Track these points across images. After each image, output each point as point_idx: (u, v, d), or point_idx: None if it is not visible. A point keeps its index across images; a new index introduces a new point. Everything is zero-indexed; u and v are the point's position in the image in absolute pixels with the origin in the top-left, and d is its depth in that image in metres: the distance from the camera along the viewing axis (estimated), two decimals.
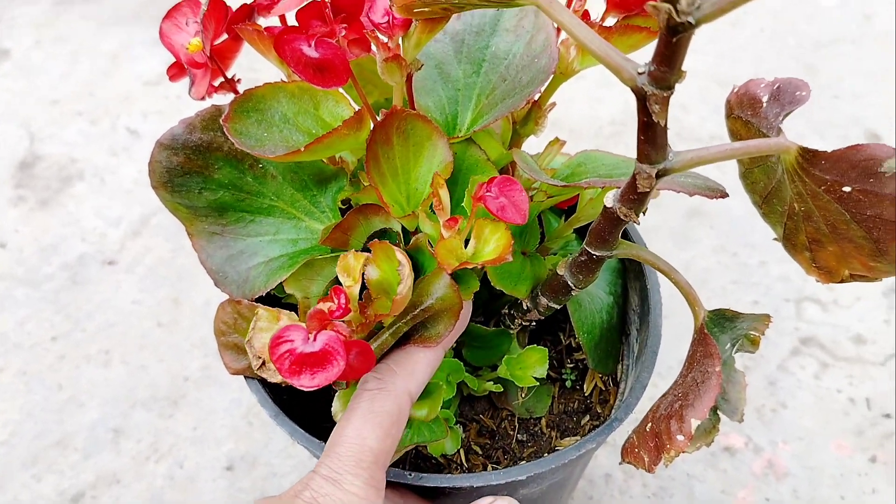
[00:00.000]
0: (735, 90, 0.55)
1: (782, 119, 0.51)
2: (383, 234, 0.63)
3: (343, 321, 0.52)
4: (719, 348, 0.56)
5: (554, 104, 0.67)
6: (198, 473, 0.99)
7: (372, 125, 0.57)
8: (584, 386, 0.76)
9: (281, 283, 0.62)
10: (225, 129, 0.56)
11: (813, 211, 0.48)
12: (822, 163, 0.44)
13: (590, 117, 1.35)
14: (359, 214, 0.60)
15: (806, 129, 1.32)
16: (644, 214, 0.53)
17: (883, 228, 0.44)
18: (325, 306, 0.51)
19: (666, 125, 0.44)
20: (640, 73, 0.41)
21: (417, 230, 0.60)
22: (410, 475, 0.61)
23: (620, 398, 0.72)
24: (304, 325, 0.49)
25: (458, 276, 0.57)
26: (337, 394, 0.61)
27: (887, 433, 1.01)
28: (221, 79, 0.63)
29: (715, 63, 1.43)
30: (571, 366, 0.77)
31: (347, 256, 0.54)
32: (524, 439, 0.74)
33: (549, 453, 0.72)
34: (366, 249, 0.62)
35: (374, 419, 0.53)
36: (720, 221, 1.21)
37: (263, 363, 0.58)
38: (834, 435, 1.01)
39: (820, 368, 1.07)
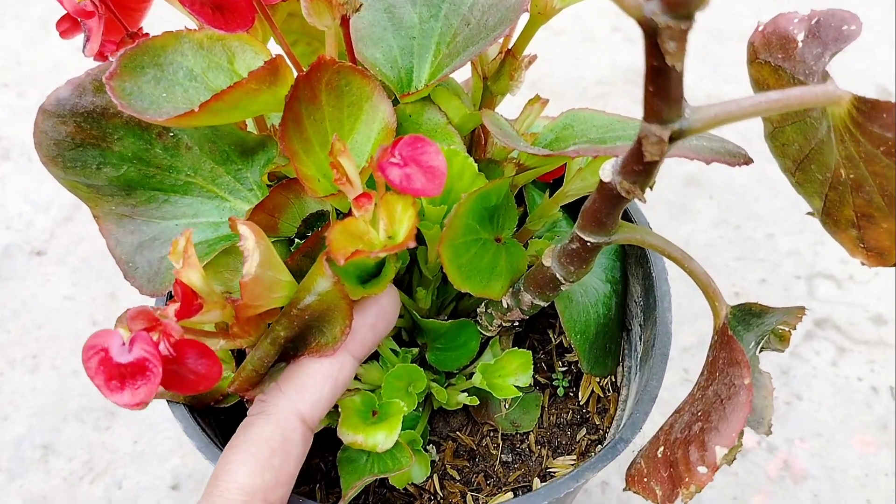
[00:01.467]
0: (760, 28, 0.45)
1: (828, 61, 0.41)
2: (321, 219, 0.53)
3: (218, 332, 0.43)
4: (745, 349, 0.45)
5: (534, 57, 0.56)
6: (139, 495, 0.88)
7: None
8: (579, 393, 0.65)
9: None
10: (108, 88, 0.45)
11: (866, 178, 0.39)
12: (883, 116, 0.35)
13: (573, 77, 1.22)
14: (286, 192, 0.51)
15: None
16: (651, 189, 0.42)
17: None
18: (172, 308, 0.42)
19: (683, 71, 0.33)
20: (647, 1, 0.31)
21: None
22: None
23: (622, 408, 0.61)
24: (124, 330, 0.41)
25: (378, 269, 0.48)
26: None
27: None
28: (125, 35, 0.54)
29: (711, 16, 1.31)
30: (563, 369, 0.66)
31: (179, 240, 0.43)
32: (509, 460, 0.62)
33: (539, 476, 0.61)
34: (304, 237, 0.52)
35: (246, 449, 0.45)
36: (721, 191, 1.09)
37: None
38: (856, 430, 0.91)
39: (837, 354, 0.96)
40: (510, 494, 0.60)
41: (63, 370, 0.96)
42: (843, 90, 0.36)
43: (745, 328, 0.48)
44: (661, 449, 0.47)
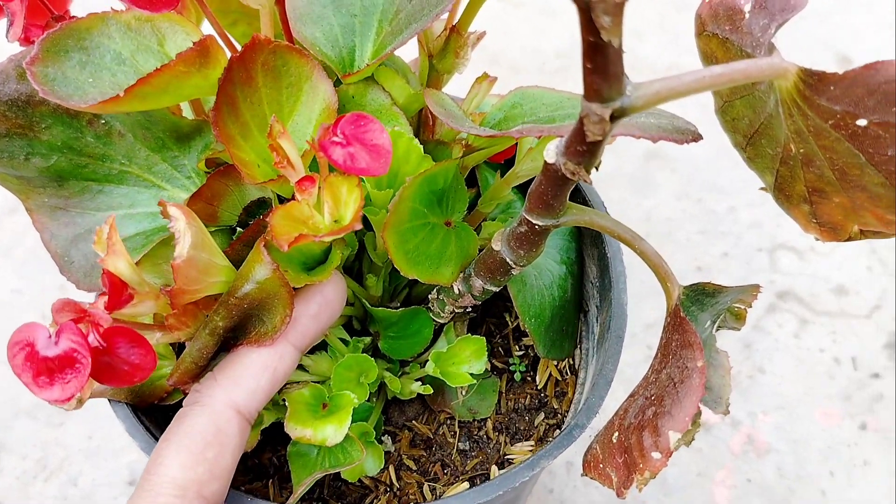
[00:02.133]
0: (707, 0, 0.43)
1: (774, 32, 0.40)
2: (262, 206, 0.51)
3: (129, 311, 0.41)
4: (699, 329, 0.45)
5: (483, 34, 0.54)
6: (95, 491, 0.85)
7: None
8: (537, 377, 0.64)
9: None
10: (29, 75, 0.43)
11: (816, 153, 0.38)
12: (830, 89, 0.34)
13: (532, 50, 1.20)
14: (224, 179, 0.49)
15: None
16: (597, 170, 0.40)
17: None
18: (101, 300, 0.40)
19: (621, 46, 0.31)
20: None
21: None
22: None
23: (581, 391, 0.60)
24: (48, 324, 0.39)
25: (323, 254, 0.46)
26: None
27: (877, 395, 0.90)
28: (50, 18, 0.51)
29: None
30: (521, 353, 0.65)
31: (102, 228, 0.41)
32: (467, 448, 0.61)
33: (497, 464, 0.60)
34: (245, 226, 0.50)
35: (179, 442, 0.43)
36: (682, 164, 1.08)
37: None
38: (819, 401, 0.91)
39: (799, 326, 0.95)
40: (467, 484, 0.59)
41: None
42: (789, 62, 0.35)
43: (700, 308, 0.47)
44: (616, 434, 0.46)
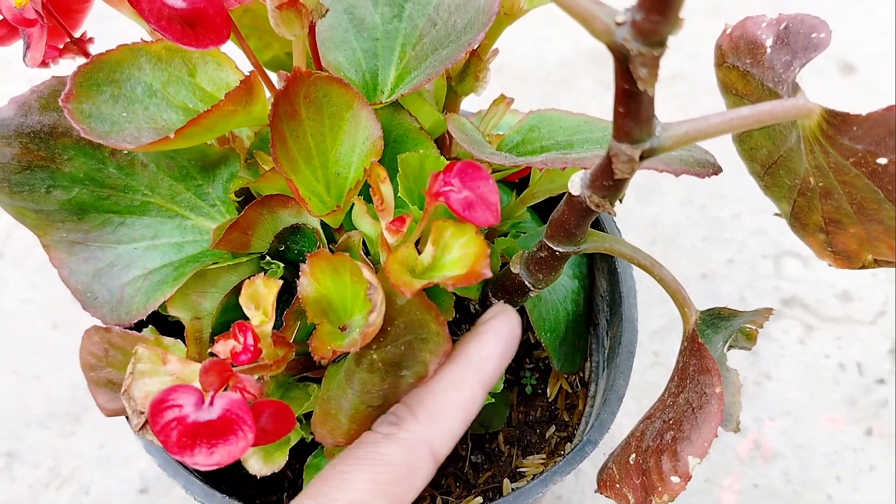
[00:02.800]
0: (727, 31, 0.45)
1: (798, 71, 0.40)
2: (294, 233, 0.50)
3: (251, 368, 0.40)
4: (713, 350, 0.45)
5: (496, 51, 0.54)
6: (107, 499, 0.86)
7: (268, 94, 0.45)
8: (548, 390, 0.65)
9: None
10: (66, 113, 0.43)
11: (835, 187, 0.39)
12: (853, 129, 0.35)
13: (536, 59, 1.21)
14: (261, 208, 0.48)
15: None
16: (621, 202, 0.41)
17: None
18: (224, 347, 0.39)
19: (653, 95, 0.32)
20: (619, 24, 0.30)
21: (342, 227, 0.48)
22: None
23: (591, 404, 0.61)
24: (192, 377, 0.38)
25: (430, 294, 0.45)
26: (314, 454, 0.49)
27: (882, 401, 0.91)
28: (67, 41, 0.52)
29: None
30: (531, 366, 0.65)
31: (255, 282, 0.41)
32: (479, 461, 0.62)
33: (509, 477, 0.61)
34: (277, 254, 0.51)
35: (370, 468, 0.42)
36: None
37: (147, 422, 0.45)
38: (824, 407, 0.92)
39: (805, 332, 0.96)
40: (480, 499, 0.59)
41: (23, 375, 0.93)
42: (814, 103, 0.36)
43: (714, 331, 0.48)
44: (633, 456, 0.46)
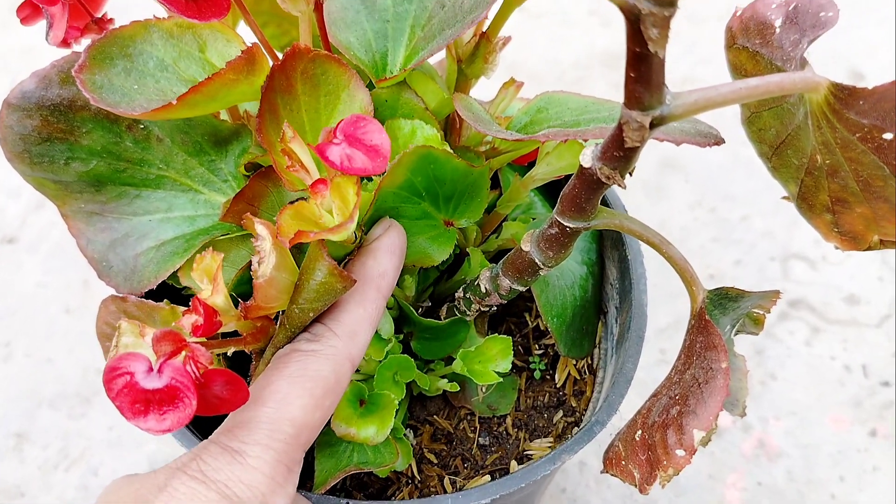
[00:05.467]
0: (738, 13, 0.45)
1: (806, 48, 0.41)
2: None
3: (221, 341, 0.42)
4: (721, 332, 0.46)
5: (508, 38, 0.55)
6: None
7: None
8: (556, 375, 0.65)
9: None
10: (79, 83, 0.44)
11: (841, 164, 0.39)
12: (859, 103, 0.35)
13: (551, 60, 1.22)
14: (265, 180, 0.50)
15: None
16: (631, 175, 0.42)
17: None
18: (188, 321, 0.40)
19: (664, 57, 0.33)
20: None
21: None
22: (346, 503, 0.50)
23: (598, 390, 0.61)
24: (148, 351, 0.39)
25: None
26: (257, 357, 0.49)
27: (887, 403, 0.92)
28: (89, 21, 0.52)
29: None
30: (540, 352, 0.66)
31: (205, 257, 0.43)
32: (487, 443, 0.62)
33: (516, 459, 0.61)
34: None
35: (303, 384, 0.44)
36: (696, 172, 1.10)
37: None
38: (829, 408, 0.92)
39: (811, 334, 0.97)
40: (487, 477, 0.60)
41: (36, 358, 0.95)
42: (822, 77, 0.36)
43: (722, 312, 0.48)
44: (639, 432, 0.47)
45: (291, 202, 0.51)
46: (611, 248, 0.62)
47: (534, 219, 0.62)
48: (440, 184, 0.51)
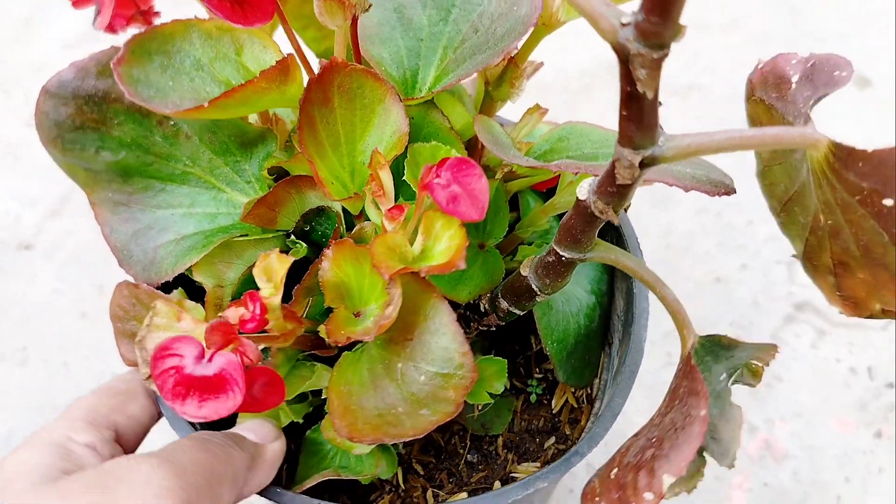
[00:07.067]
0: (759, 66, 0.44)
1: (812, 105, 0.40)
2: (320, 214, 0.52)
3: (259, 336, 0.43)
4: (713, 380, 0.45)
5: (540, 64, 0.56)
6: None
7: (306, 78, 0.47)
8: (553, 401, 0.65)
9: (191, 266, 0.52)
10: (116, 75, 0.45)
11: (843, 226, 0.38)
12: (858, 164, 0.34)
13: (556, 70, 1.22)
14: (290, 187, 0.51)
15: None
16: (626, 211, 0.43)
17: None
18: (234, 313, 0.41)
19: (656, 98, 0.33)
20: (623, 25, 0.31)
21: (363, 213, 0.50)
22: None
23: (594, 420, 0.61)
24: (200, 337, 0.40)
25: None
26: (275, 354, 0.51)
27: (891, 405, 0.92)
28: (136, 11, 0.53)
29: (690, 5, 1.31)
30: (540, 376, 0.66)
31: (270, 256, 0.44)
32: (475, 460, 0.63)
33: (501, 480, 0.62)
34: (301, 233, 0.53)
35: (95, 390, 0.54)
36: None
37: None
38: (835, 410, 0.92)
39: (816, 336, 0.97)
40: (465, 494, 0.61)
41: (52, 364, 0.96)
42: (821, 134, 0.35)
43: (714, 359, 0.48)
44: (615, 471, 0.46)
45: (312, 210, 0.52)
46: (620, 280, 0.62)
47: (547, 243, 0.61)
48: None
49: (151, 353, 0.45)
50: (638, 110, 0.34)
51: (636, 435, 0.49)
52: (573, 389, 0.65)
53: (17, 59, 1.28)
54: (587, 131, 0.53)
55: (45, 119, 0.50)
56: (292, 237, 0.53)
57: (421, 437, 0.45)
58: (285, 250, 0.53)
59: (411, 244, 0.44)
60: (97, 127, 0.51)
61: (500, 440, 0.64)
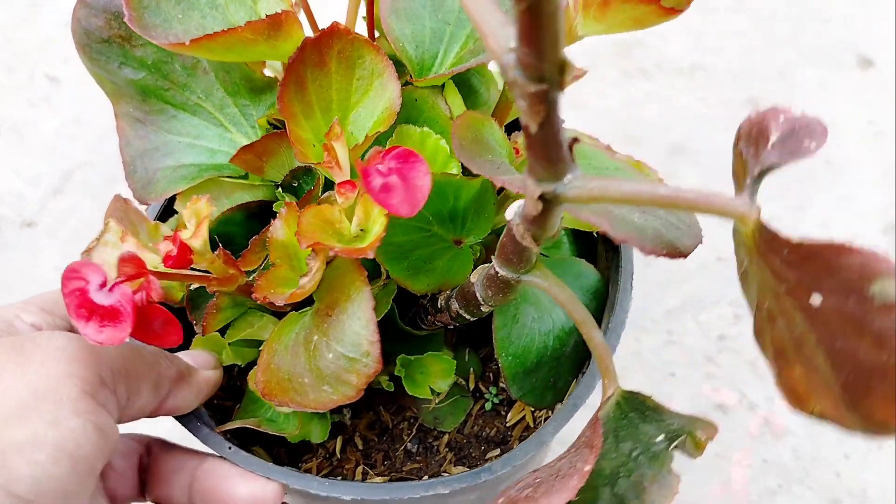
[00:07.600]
0: (752, 116, 0.40)
1: (760, 174, 0.37)
2: (307, 173, 0.53)
3: (191, 275, 0.46)
4: (643, 439, 0.44)
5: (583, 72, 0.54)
6: None
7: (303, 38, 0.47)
8: (510, 415, 0.63)
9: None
10: None
11: (776, 313, 0.33)
12: (783, 252, 0.30)
13: None
14: (280, 140, 0.52)
15: (795, 56, 1.18)
16: (555, 237, 0.40)
17: (855, 373, 0.28)
18: (164, 247, 0.44)
19: (554, 133, 0.30)
20: (511, 49, 0.28)
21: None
22: (230, 448, 0.52)
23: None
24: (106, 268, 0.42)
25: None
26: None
27: None
28: None
29: None
30: (503, 386, 0.64)
31: (200, 201, 0.45)
32: (414, 451, 0.62)
33: (431, 476, 0.61)
34: (290, 188, 0.54)
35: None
36: (706, 157, 1.09)
37: None
38: None
39: None
40: (382, 479, 0.60)
41: None
42: (748, 208, 0.32)
43: (641, 419, 0.45)
44: (501, 500, 0.44)
45: (301, 167, 0.52)
46: (608, 310, 0.59)
47: (545, 255, 0.60)
48: (444, 203, 0.50)
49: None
50: (533, 142, 0.31)
51: (535, 469, 0.46)
52: (533, 410, 0.63)
53: (22, 39, 1.27)
54: (592, 154, 0.52)
55: (79, 26, 0.53)
56: (279, 190, 0.54)
57: (349, 404, 0.46)
58: (272, 200, 0.55)
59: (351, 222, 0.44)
60: (122, 43, 0.53)
61: (446, 437, 0.63)
